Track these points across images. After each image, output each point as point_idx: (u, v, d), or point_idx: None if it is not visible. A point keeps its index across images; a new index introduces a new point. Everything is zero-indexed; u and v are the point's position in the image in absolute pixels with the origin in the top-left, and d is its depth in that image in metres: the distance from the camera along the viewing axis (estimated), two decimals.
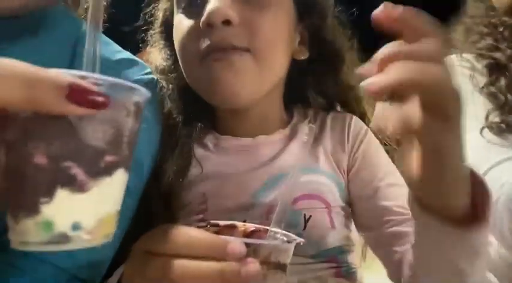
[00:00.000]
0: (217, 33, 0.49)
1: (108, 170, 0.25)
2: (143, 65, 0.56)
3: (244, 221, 0.50)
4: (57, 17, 0.47)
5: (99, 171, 0.25)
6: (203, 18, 0.49)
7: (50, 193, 0.23)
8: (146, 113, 0.50)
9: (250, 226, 0.39)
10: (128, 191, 0.44)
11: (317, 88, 0.66)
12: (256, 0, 0.52)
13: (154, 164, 0.53)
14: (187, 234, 0.30)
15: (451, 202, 0.34)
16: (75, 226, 0.24)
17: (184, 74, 0.57)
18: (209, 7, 0.49)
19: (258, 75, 0.52)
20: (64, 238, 0.24)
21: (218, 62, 0.50)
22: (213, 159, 0.58)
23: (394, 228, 0.52)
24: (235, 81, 0.51)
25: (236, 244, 0.28)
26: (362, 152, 0.58)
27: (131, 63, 0.53)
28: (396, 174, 0.56)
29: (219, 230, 0.39)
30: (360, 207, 0.57)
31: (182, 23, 0.54)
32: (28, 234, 0.24)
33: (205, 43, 0.50)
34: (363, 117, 0.64)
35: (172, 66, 0.61)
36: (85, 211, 0.25)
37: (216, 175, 0.56)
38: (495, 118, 0.65)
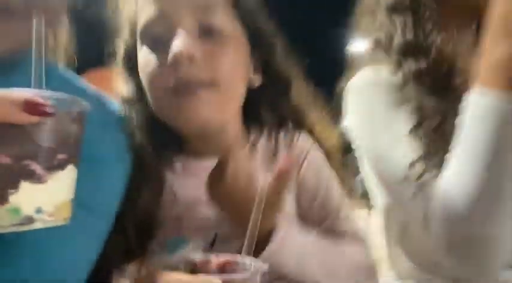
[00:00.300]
0: (184, 68, 0.56)
1: (61, 165, 0.33)
2: (111, 100, 0.61)
3: (216, 235, 0.59)
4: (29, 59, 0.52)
5: (53, 166, 0.32)
6: (170, 56, 0.56)
7: (15, 186, 0.31)
8: (115, 147, 0.55)
9: (223, 259, 0.45)
10: (98, 215, 0.50)
11: (270, 109, 0.73)
12: (215, 38, 0.59)
13: (125, 194, 0.57)
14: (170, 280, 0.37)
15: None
16: (38, 210, 0.32)
17: (152, 105, 0.62)
18: (175, 46, 0.55)
19: (223, 105, 0.60)
20: (31, 220, 0.31)
21: (188, 98, 0.57)
22: (184, 182, 0.63)
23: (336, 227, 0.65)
24: (203, 113, 0.58)
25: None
26: (305, 167, 0.67)
27: (101, 99, 0.59)
28: (334, 185, 0.68)
29: (196, 266, 0.45)
30: (304, 212, 0.66)
31: (148, 59, 0.60)
32: (1, 219, 0.30)
33: (173, 78, 0.57)
34: (311, 132, 0.73)
35: (138, 97, 0.66)
36: (45, 198, 0.32)
37: (188, 197, 0.61)
38: (420, 168, 0.60)
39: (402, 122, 0.64)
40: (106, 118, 0.54)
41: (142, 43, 0.62)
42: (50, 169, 0.32)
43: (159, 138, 0.64)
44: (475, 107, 0.52)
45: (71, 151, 0.34)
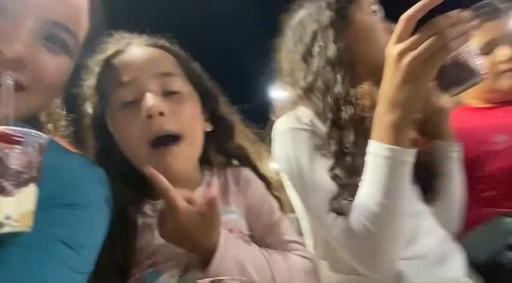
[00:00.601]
0: (155, 121, 0.70)
1: (25, 183, 0.43)
2: (92, 163, 0.69)
3: (187, 265, 0.69)
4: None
5: (19, 184, 0.42)
6: (144, 111, 0.69)
7: None
8: (99, 197, 0.63)
9: (207, 280, 0.53)
10: (84, 254, 0.56)
11: (218, 150, 0.87)
12: (176, 97, 0.74)
13: (106, 236, 0.63)
14: None
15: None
16: (7, 217, 0.41)
17: (128, 155, 0.74)
18: (148, 104, 0.70)
19: (189, 157, 0.74)
20: (1, 225, 0.40)
21: (162, 154, 0.70)
22: (155, 223, 0.71)
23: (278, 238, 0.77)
24: (175, 165, 0.71)
25: None
26: (250, 194, 0.81)
27: (86, 159, 0.68)
28: (274, 205, 0.82)
29: None
30: (253, 228, 0.79)
31: (123, 118, 0.72)
32: None
33: (146, 130, 0.70)
34: (254, 168, 0.87)
35: (108, 150, 0.77)
36: (12, 208, 0.41)
37: (159, 236, 0.71)
38: (337, 203, 0.75)
39: (323, 161, 0.79)
40: (91, 174, 0.64)
41: (115, 105, 0.75)
42: (17, 186, 0.42)
43: (130, 183, 0.75)
44: (373, 153, 0.71)
45: (33, 172, 0.44)
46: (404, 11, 0.64)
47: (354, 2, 0.90)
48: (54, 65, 0.54)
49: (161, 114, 0.70)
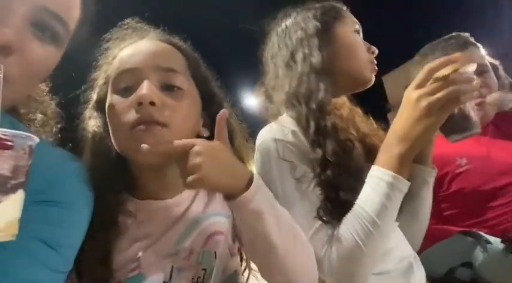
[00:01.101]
0: (145, 110, 0.68)
1: (13, 190, 0.40)
2: (73, 157, 0.69)
3: (172, 268, 0.67)
4: None
5: (7, 190, 0.39)
6: (136, 98, 0.68)
7: None
8: (80, 195, 0.61)
9: None
10: (62, 253, 0.54)
11: None
12: (174, 93, 0.72)
13: (86, 236, 0.62)
14: None
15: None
16: None
17: (113, 139, 0.72)
18: (141, 91, 0.68)
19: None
20: None
21: (145, 131, 0.67)
22: (138, 223, 0.71)
23: None
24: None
25: None
26: None
27: (68, 156, 0.67)
28: None
29: None
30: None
31: (117, 102, 0.71)
32: None
33: (135, 116, 0.68)
34: None
35: (103, 133, 0.76)
36: None
37: (144, 237, 0.69)
38: (327, 212, 0.78)
39: (306, 173, 0.80)
40: (73, 171, 0.61)
41: (114, 89, 0.74)
42: (4, 192, 0.39)
43: (116, 175, 0.73)
44: (376, 177, 0.77)
45: (22, 178, 0.41)
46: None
47: (339, 18, 0.96)
48: (42, 54, 0.53)
49: (152, 103, 0.68)
